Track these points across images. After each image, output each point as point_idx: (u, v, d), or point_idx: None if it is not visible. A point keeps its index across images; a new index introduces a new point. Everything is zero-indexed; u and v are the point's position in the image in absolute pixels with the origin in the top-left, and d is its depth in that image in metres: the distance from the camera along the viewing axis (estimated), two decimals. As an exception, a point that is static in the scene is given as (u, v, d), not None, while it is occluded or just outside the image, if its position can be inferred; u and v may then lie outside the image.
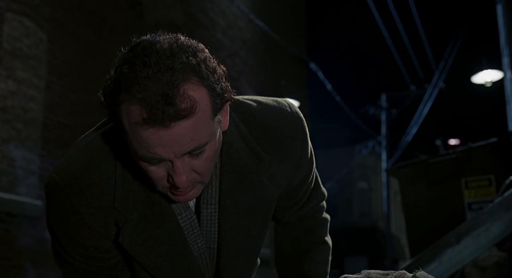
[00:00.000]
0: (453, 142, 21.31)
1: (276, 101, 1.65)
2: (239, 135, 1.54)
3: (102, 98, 1.34)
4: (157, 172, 1.35)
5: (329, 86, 17.20)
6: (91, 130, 1.59)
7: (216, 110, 1.34)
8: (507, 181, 4.22)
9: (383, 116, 20.59)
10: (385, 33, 17.08)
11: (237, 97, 1.58)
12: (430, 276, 1.31)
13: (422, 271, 1.32)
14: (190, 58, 1.29)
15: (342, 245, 26.88)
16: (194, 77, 1.28)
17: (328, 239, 1.89)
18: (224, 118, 1.41)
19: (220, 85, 1.34)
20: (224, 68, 1.41)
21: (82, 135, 1.59)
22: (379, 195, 26.63)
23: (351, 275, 1.38)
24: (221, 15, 13.44)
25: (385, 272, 1.36)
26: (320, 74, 16.96)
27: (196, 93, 1.27)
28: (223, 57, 13.28)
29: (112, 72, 1.32)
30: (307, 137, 1.65)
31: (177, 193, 1.38)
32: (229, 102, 1.41)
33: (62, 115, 8.41)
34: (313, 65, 17.11)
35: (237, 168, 1.54)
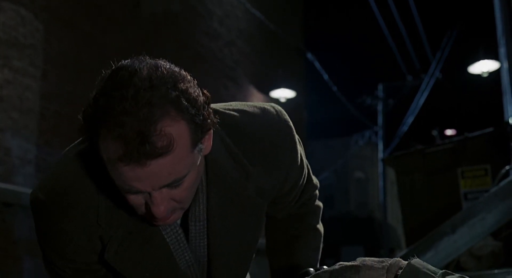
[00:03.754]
0: (449, 132, 21.31)
1: (263, 109, 1.61)
2: (225, 149, 1.52)
3: (82, 123, 1.32)
4: (136, 199, 1.34)
5: (325, 76, 17.18)
6: (74, 143, 1.55)
7: (196, 141, 1.32)
8: (503, 171, 4.23)
9: (380, 107, 20.59)
10: (382, 23, 17.06)
11: (221, 106, 1.57)
12: (425, 263, 1.31)
13: (417, 259, 1.33)
14: (170, 90, 1.27)
15: (338, 235, 26.96)
16: (173, 111, 1.26)
17: (320, 226, 1.88)
18: (206, 144, 1.39)
19: (201, 116, 1.31)
20: (207, 94, 1.38)
21: (66, 149, 1.56)
22: (376, 185, 26.68)
23: (346, 263, 1.39)
24: (218, 4, 13.40)
25: (380, 259, 1.36)
26: (317, 64, 16.93)
27: (174, 129, 1.25)
28: (219, 46, 13.25)
29: (91, 98, 1.30)
30: (296, 145, 1.63)
31: (156, 220, 1.38)
32: (211, 130, 1.38)
33: (59, 105, 8.40)
34: (310, 55, 17.08)
35: (224, 184, 1.52)
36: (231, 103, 1.63)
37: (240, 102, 1.64)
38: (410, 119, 19.79)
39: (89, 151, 1.36)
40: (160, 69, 1.31)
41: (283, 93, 14.71)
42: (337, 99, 18.63)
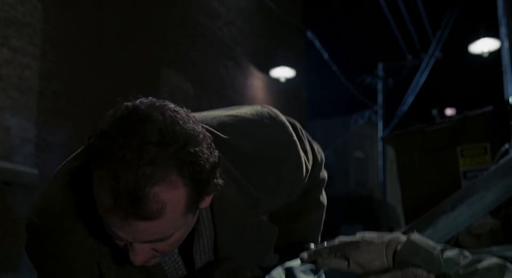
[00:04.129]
0: (449, 111, 21.28)
1: (263, 124, 1.54)
2: (230, 179, 1.44)
3: (87, 142, 1.24)
4: (118, 240, 1.29)
5: (325, 56, 17.12)
6: (69, 159, 1.46)
7: (192, 206, 1.26)
8: (503, 149, 4.23)
9: (380, 86, 20.55)
10: (382, 2, 16.98)
11: (218, 125, 1.47)
12: (424, 238, 1.32)
13: (417, 234, 1.33)
14: (178, 151, 1.18)
15: (338, 214, 27.04)
16: (174, 175, 1.18)
17: (323, 198, 1.85)
18: (205, 203, 1.32)
19: (204, 183, 1.24)
20: (217, 156, 1.29)
21: (61, 165, 1.46)
22: (375, 164, 26.72)
23: (345, 238, 1.39)
24: (217, -17, 13.32)
25: (380, 234, 1.36)
26: (317, 43, 16.86)
27: (170, 195, 1.19)
28: (219, 26, 13.19)
29: (99, 129, 1.21)
30: (300, 159, 1.57)
31: (133, 264, 1.32)
32: (213, 193, 1.31)
33: (58, 84, 8.38)
34: (309, 34, 17.01)
35: (231, 216, 1.47)
36: (229, 118, 1.53)
37: (238, 115, 1.55)
38: (410, 99, 19.76)
39: (86, 169, 1.27)
40: (174, 123, 1.21)
41: (283, 73, 14.66)
42: (337, 79, 18.60)
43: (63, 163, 1.47)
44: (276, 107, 1.64)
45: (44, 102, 8.15)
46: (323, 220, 1.86)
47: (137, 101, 1.25)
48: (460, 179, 4.87)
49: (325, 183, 1.84)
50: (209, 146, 1.27)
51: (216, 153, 1.29)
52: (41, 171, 7.69)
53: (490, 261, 1.24)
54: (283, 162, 1.53)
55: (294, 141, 1.57)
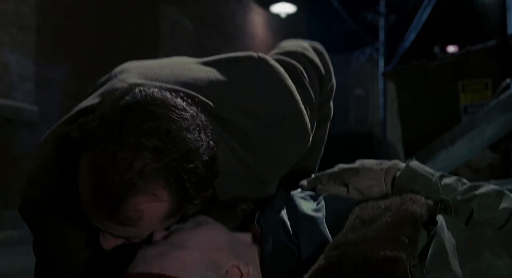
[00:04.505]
0: (451, 49, 21.10)
1: (262, 91, 1.45)
2: (235, 159, 1.39)
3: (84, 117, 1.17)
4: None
5: (327, -9, 16.88)
6: (61, 122, 1.37)
7: (172, 216, 1.20)
8: (503, 84, 4.22)
9: (382, 22, 20.34)
10: None
11: (210, 85, 1.39)
12: (423, 166, 1.32)
13: (416, 161, 1.34)
14: (173, 164, 1.11)
15: (338, 152, 27.17)
16: (161, 189, 1.12)
17: (329, 111, 1.80)
18: (191, 207, 1.25)
19: (191, 197, 1.18)
20: (216, 168, 1.22)
21: (53, 128, 1.39)
22: (376, 102, 26.71)
23: (345, 165, 1.40)
24: None
25: (379, 161, 1.37)
26: (318, -21, 16.60)
27: (151, 207, 1.13)
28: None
29: (102, 112, 1.14)
30: (307, 128, 1.51)
31: None
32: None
33: (56, 20, 8.29)
34: (311, -31, 16.73)
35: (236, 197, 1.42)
36: (230, 88, 1.43)
37: (238, 83, 1.45)
38: (412, 36, 19.58)
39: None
40: (178, 130, 1.13)
41: (283, 8, 14.48)
42: (338, 15, 18.39)
43: (54, 126, 1.40)
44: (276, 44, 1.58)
45: (42, 39, 8.08)
46: (327, 131, 1.83)
47: (150, 91, 1.18)
48: (460, 114, 4.87)
49: (333, 91, 1.76)
50: (210, 155, 1.19)
51: (216, 164, 1.22)
52: (41, 108, 7.69)
53: (487, 187, 1.25)
54: (289, 136, 1.49)
55: (299, 108, 1.50)
